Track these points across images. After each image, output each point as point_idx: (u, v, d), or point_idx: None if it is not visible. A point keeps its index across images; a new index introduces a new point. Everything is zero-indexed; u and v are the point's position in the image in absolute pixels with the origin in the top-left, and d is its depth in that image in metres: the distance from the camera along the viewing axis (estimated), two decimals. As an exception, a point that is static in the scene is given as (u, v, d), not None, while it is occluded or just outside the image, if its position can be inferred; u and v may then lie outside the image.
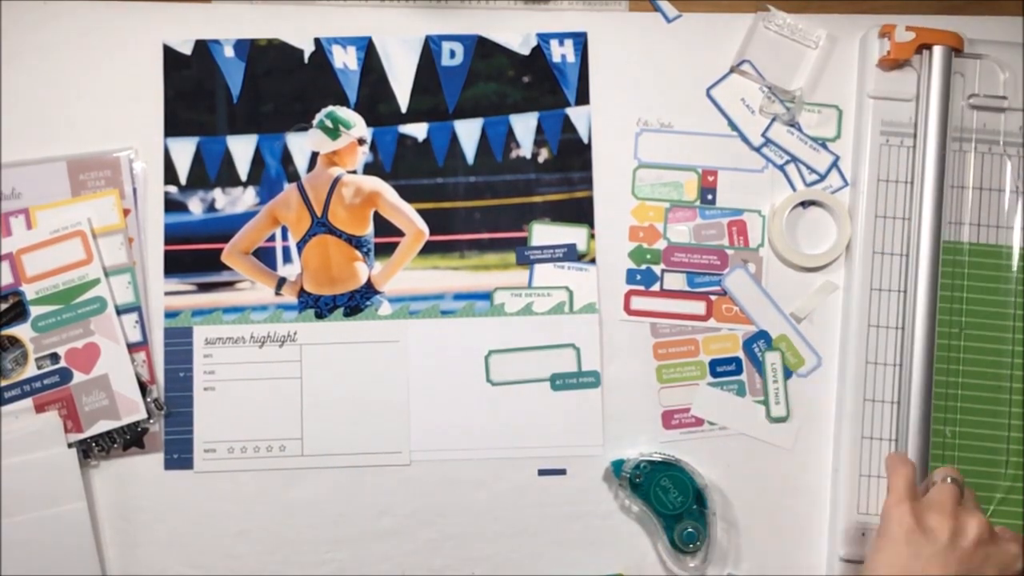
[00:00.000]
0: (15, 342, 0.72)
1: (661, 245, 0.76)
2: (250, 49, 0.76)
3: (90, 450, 0.72)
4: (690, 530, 0.71)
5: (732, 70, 0.76)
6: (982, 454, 0.72)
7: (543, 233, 0.76)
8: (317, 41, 0.76)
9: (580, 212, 0.76)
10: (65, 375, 0.72)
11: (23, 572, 0.69)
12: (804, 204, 0.76)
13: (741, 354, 0.75)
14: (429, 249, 0.75)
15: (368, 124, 0.76)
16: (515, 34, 0.77)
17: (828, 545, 0.73)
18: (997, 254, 0.74)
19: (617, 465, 0.73)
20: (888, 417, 0.72)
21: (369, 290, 0.75)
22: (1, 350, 0.72)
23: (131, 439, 0.73)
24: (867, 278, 0.74)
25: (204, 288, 0.74)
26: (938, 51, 0.73)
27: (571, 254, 0.75)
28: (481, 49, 0.76)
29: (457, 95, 0.76)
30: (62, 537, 0.70)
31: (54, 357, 0.72)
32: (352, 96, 0.76)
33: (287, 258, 0.75)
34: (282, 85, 0.76)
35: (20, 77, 0.75)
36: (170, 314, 0.74)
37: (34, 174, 0.73)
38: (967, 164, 0.74)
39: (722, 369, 0.75)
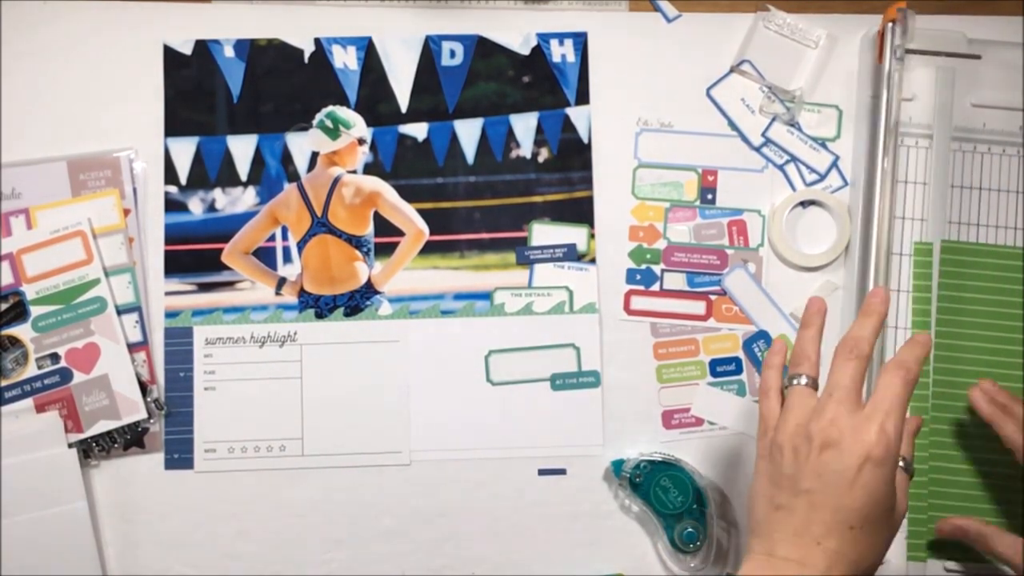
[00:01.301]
0: (15, 342, 0.72)
1: (661, 245, 0.76)
2: (250, 49, 0.76)
3: (90, 450, 0.72)
4: (690, 530, 0.71)
5: (732, 70, 0.77)
6: (985, 453, 0.72)
7: (543, 233, 0.76)
8: (317, 41, 0.76)
9: (580, 212, 0.76)
10: (65, 375, 0.72)
11: (23, 572, 0.69)
12: (804, 204, 0.76)
13: (741, 354, 0.75)
14: (429, 249, 0.75)
15: (368, 124, 0.76)
16: (515, 34, 0.77)
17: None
18: (999, 254, 0.74)
19: (617, 465, 0.73)
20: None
21: (369, 290, 0.75)
22: (1, 350, 0.72)
23: (131, 439, 0.73)
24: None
25: (204, 288, 0.74)
26: (889, 29, 0.72)
27: (571, 254, 0.75)
28: (481, 49, 0.76)
29: (457, 95, 0.76)
30: (62, 537, 0.70)
31: (54, 357, 0.72)
32: (352, 96, 0.76)
33: (287, 258, 0.75)
34: (282, 85, 0.76)
35: (20, 77, 0.75)
36: (170, 314, 0.74)
37: (34, 174, 0.73)
38: (969, 164, 0.74)
39: (722, 369, 0.75)
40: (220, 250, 0.75)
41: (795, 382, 0.58)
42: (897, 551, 0.72)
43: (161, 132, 0.75)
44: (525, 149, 0.76)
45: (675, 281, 0.76)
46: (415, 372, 0.74)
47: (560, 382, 0.74)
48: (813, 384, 0.58)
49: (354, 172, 0.76)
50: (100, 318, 0.72)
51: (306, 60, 0.76)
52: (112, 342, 0.72)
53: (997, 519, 0.72)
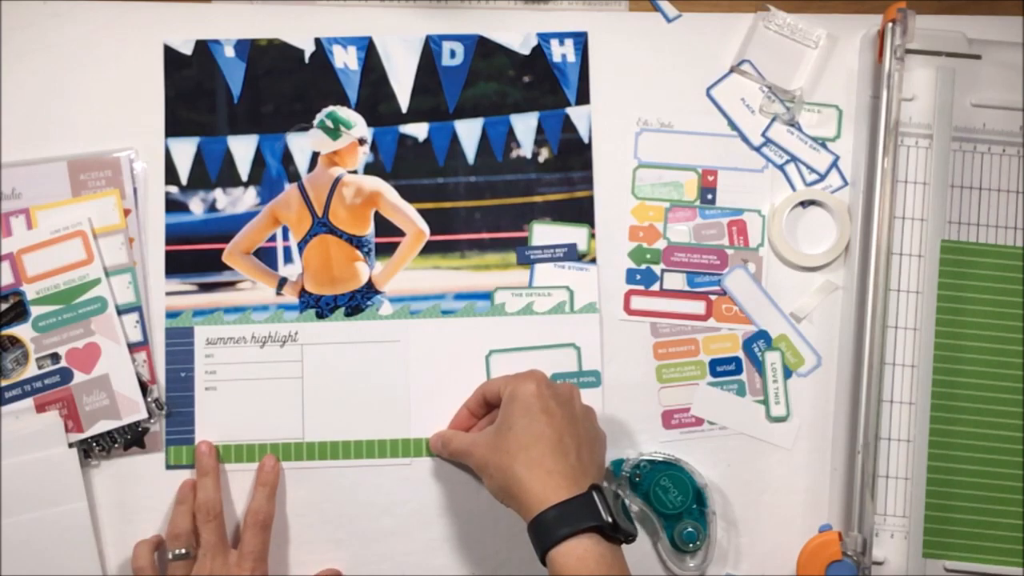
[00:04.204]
0: (16, 342, 0.72)
1: (661, 245, 0.76)
2: (250, 49, 0.76)
3: (91, 450, 0.72)
4: (690, 530, 0.71)
5: (732, 70, 0.77)
6: (985, 453, 0.72)
7: (543, 233, 0.76)
8: (317, 41, 0.76)
9: (580, 212, 0.76)
10: (66, 375, 0.72)
11: (23, 572, 0.69)
12: (804, 204, 0.76)
13: (741, 354, 0.75)
14: (430, 249, 0.75)
15: (369, 124, 0.76)
16: (515, 34, 0.77)
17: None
18: (999, 254, 0.74)
19: (617, 465, 0.73)
20: (888, 416, 0.73)
21: (370, 290, 0.75)
22: (2, 350, 0.72)
23: (132, 439, 0.73)
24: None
25: (205, 288, 0.74)
26: (889, 29, 0.73)
27: (571, 254, 0.76)
28: (481, 49, 0.76)
29: (457, 95, 0.76)
30: (62, 537, 0.70)
31: (55, 357, 0.72)
32: (352, 96, 0.76)
33: (288, 258, 0.75)
34: (282, 85, 0.76)
35: (20, 77, 0.75)
36: (171, 314, 0.74)
37: (34, 174, 0.73)
38: (969, 164, 0.74)
39: (722, 369, 0.75)
40: (221, 250, 0.75)
41: (177, 553, 0.69)
42: (897, 551, 0.72)
43: (161, 132, 0.75)
44: (525, 149, 0.76)
45: (675, 281, 0.76)
46: (416, 372, 0.74)
47: (561, 381, 0.74)
48: (187, 553, 0.69)
49: (355, 172, 0.76)
50: (100, 318, 0.72)
51: (306, 60, 0.76)
52: (112, 342, 0.72)
53: (997, 519, 0.72)
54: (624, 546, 0.62)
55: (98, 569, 0.71)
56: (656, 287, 0.76)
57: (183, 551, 0.69)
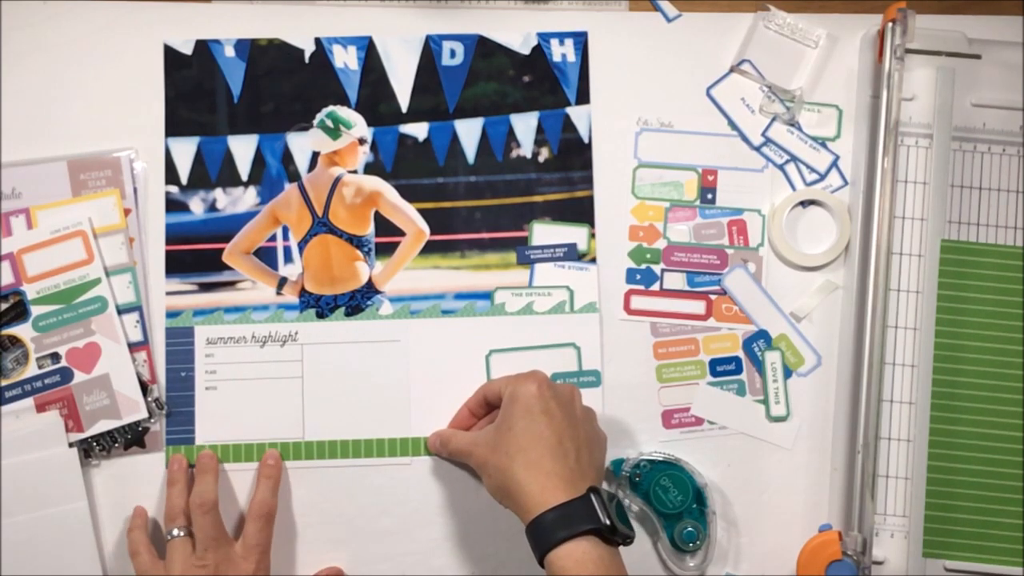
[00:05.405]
0: (16, 342, 0.72)
1: (661, 244, 0.76)
2: (251, 49, 0.76)
3: (91, 449, 0.72)
4: (690, 529, 0.71)
5: (732, 70, 0.77)
6: (985, 453, 0.72)
7: (543, 233, 0.76)
8: (317, 41, 0.76)
9: (580, 212, 0.76)
10: (66, 375, 0.72)
11: (23, 572, 0.69)
12: (804, 203, 0.76)
13: (741, 353, 0.75)
14: (430, 249, 0.75)
15: (369, 124, 0.76)
16: (515, 34, 0.77)
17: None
18: (999, 254, 0.74)
19: (617, 464, 0.73)
20: (888, 416, 0.73)
21: (370, 290, 0.75)
22: (2, 350, 0.72)
23: (132, 439, 0.73)
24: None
25: (205, 288, 0.74)
26: (889, 29, 0.73)
27: (571, 253, 0.76)
28: (481, 49, 0.76)
29: (457, 95, 0.76)
30: (62, 537, 0.70)
31: (55, 357, 0.72)
32: (353, 96, 0.76)
33: (288, 258, 0.75)
34: (283, 85, 0.76)
35: (20, 77, 0.75)
36: (171, 314, 0.74)
37: (34, 174, 0.73)
38: (969, 164, 0.74)
39: (722, 368, 0.75)
40: (221, 250, 0.75)
41: (174, 534, 0.68)
42: (897, 550, 0.72)
43: (162, 132, 0.75)
44: (525, 149, 0.76)
45: (675, 281, 0.76)
46: (416, 372, 0.74)
47: (561, 382, 0.74)
48: (189, 533, 0.68)
49: (355, 172, 0.76)
50: (101, 318, 0.72)
51: (307, 60, 0.76)
52: (113, 342, 0.72)
53: (997, 519, 0.72)
54: (624, 547, 0.62)
55: (98, 569, 0.71)
56: (656, 287, 0.76)
57: (182, 532, 0.68)
